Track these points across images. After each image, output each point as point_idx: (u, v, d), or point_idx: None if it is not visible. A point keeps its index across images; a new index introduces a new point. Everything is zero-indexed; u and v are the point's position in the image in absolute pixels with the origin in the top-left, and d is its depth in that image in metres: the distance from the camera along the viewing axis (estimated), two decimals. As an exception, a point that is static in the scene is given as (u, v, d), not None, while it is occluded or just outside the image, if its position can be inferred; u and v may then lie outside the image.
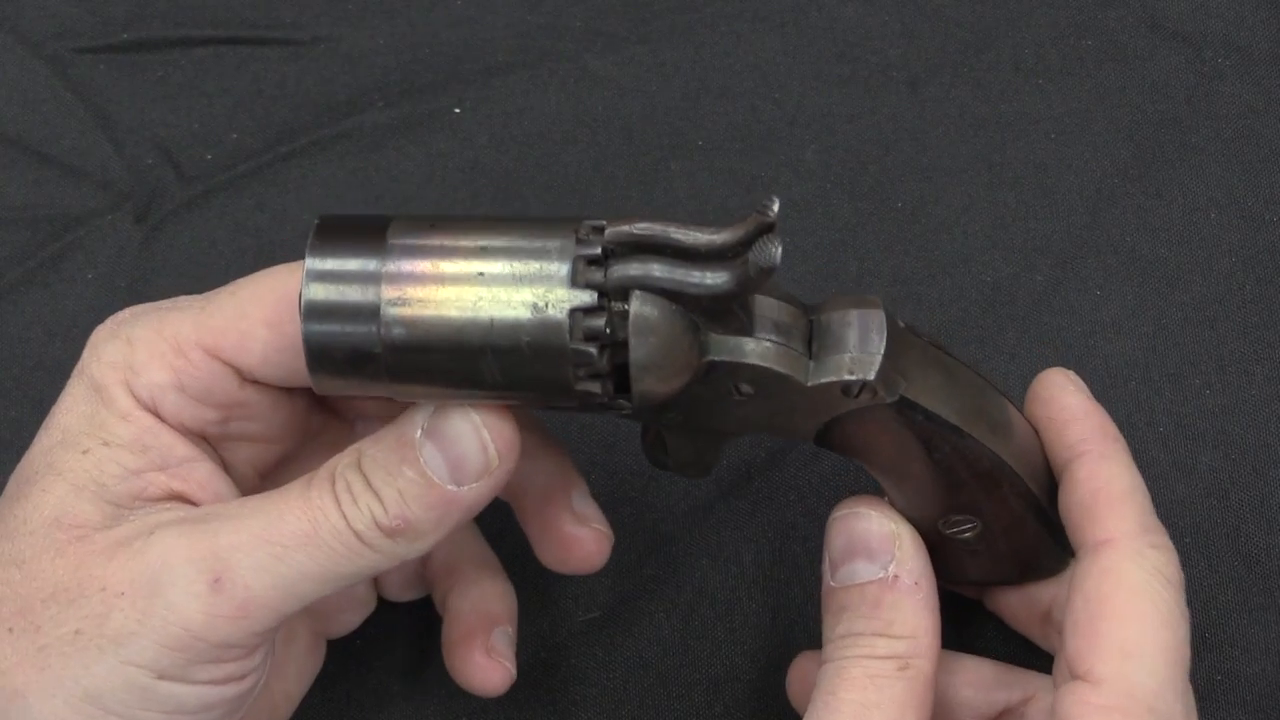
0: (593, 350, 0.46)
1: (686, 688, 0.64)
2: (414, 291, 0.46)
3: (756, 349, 0.49)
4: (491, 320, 0.46)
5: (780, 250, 0.45)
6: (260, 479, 0.56)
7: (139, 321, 0.52)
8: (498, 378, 0.47)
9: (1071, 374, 0.55)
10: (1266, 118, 0.72)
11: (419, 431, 0.48)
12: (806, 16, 0.77)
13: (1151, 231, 0.70)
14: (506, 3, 0.77)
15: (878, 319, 0.50)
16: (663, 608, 0.65)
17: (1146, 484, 0.65)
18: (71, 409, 0.51)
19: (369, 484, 0.47)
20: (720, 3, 0.77)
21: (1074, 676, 0.49)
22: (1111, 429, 0.54)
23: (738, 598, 0.65)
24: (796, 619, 0.65)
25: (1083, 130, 0.72)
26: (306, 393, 0.54)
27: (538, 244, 0.47)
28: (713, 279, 0.46)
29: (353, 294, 0.46)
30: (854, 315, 0.50)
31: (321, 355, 0.47)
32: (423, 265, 0.46)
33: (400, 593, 0.62)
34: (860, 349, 0.49)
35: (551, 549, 0.57)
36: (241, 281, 0.52)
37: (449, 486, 0.48)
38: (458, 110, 0.75)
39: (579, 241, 0.47)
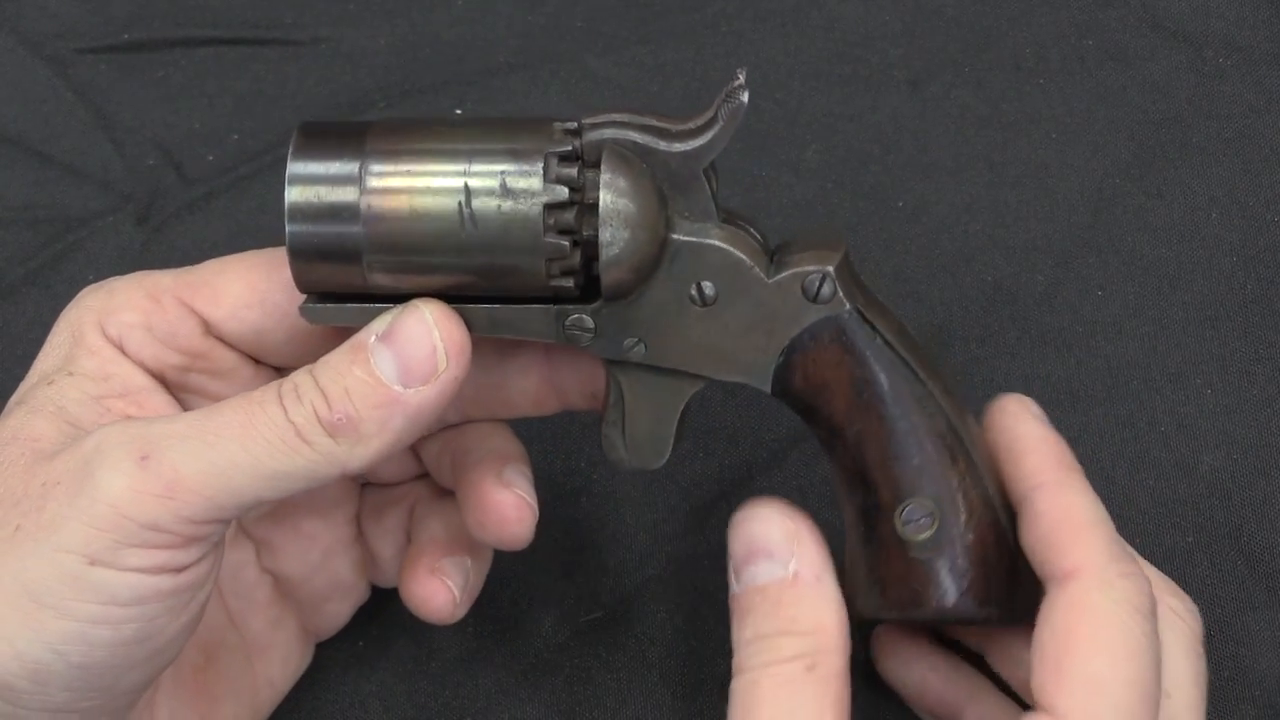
0: (565, 243, 0.48)
1: (689, 688, 0.64)
2: (393, 189, 0.48)
3: (720, 233, 0.50)
4: (469, 215, 0.48)
5: (747, 93, 0.48)
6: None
7: (126, 277, 0.54)
8: (474, 273, 0.49)
9: (1028, 401, 0.54)
10: (1267, 117, 0.72)
11: (373, 336, 0.49)
12: (807, 17, 0.77)
13: (1152, 231, 0.70)
14: (507, 3, 0.77)
15: (835, 232, 0.52)
16: (665, 608, 0.65)
17: (1149, 484, 0.65)
18: (49, 353, 0.53)
19: (316, 383, 0.48)
20: (721, 3, 0.77)
21: (1037, 707, 0.48)
22: (1069, 458, 0.53)
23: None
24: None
25: (1084, 130, 0.73)
26: (269, 371, 0.55)
27: (513, 143, 0.49)
28: (683, 142, 0.49)
29: (333, 195, 0.49)
30: (813, 231, 0.53)
31: (305, 258, 0.49)
32: (402, 166, 0.48)
33: (394, 576, 0.62)
34: (819, 251, 0.51)
35: (471, 510, 0.56)
36: (232, 256, 0.55)
37: (396, 387, 0.48)
38: (459, 111, 0.75)
39: (552, 139, 0.49)
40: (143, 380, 0.52)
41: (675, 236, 0.50)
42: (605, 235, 0.48)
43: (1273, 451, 0.66)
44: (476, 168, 0.48)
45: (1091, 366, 0.67)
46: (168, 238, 0.72)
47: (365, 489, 0.61)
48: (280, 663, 0.59)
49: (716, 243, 0.50)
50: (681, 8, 0.77)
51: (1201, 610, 0.63)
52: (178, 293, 0.53)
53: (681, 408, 0.53)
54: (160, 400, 0.53)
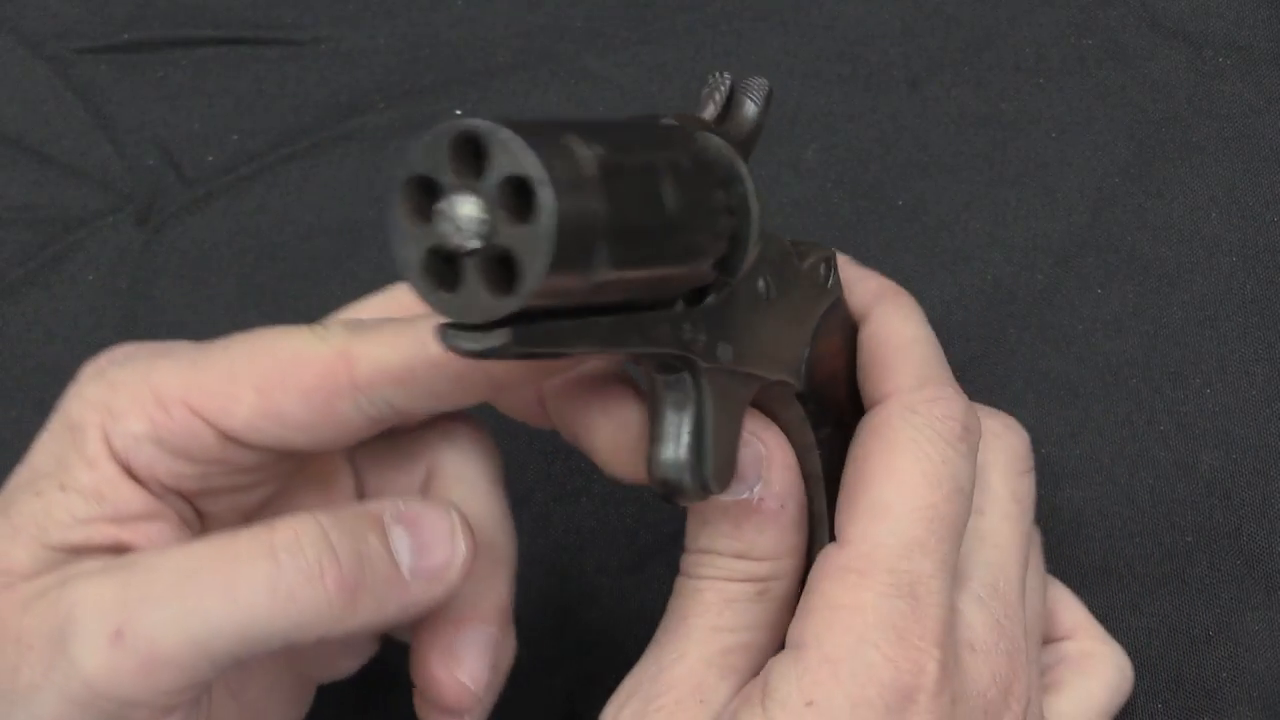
0: (731, 222, 0.46)
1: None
2: (620, 169, 0.41)
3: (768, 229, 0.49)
4: (673, 196, 0.43)
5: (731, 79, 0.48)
6: (243, 520, 0.53)
7: (127, 365, 0.50)
8: (666, 260, 0.44)
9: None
10: (1267, 117, 0.72)
11: (387, 514, 0.47)
12: (807, 16, 0.77)
13: (1152, 230, 0.70)
14: (507, 3, 0.77)
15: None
16: (664, 607, 0.65)
17: (1148, 483, 0.65)
18: (45, 447, 0.49)
19: (326, 538, 0.45)
20: (721, 2, 0.77)
21: (834, 537, 0.48)
22: (889, 285, 0.53)
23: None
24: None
25: (1083, 129, 0.73)
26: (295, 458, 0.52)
27: (667, 125, 0.47)
28: (732, 131, 0.48)
29: (569, 174, 0.40)
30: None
31: (559, 275, 0.40)
32: (615, 153, 0.41)
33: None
34: (803, 239, 0.51)
35: (414, 671, 0.53)
36: (236, 338, 0.50)
37: (405, 573, 0.47)
38: (459, 111, 0.75)
39: (694, 121, 0.48)
40: (141, 505, 0.48)
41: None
42: (756, 209, 0.46)
43: (1272, 451, 0.66)
44: (660, 147, 0.45)
45: (1090, 365, 0.68)
46: (168, 238, 0.72)
47: None
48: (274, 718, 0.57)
49: (775, 234, 0.49)
50: (681, 7, 0.77)
51: (1199, 610, 0.63)
52: (188, 399, 0.48)
53: (742, 420, 0.50)
54: (156, 529, 0.48)
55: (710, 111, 0.49)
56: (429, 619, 0.52)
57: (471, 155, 0.38)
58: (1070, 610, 0.59)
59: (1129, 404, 0.67)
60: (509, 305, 0.38)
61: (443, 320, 0.39)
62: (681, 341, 0.45)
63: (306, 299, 0.71)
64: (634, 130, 0.46)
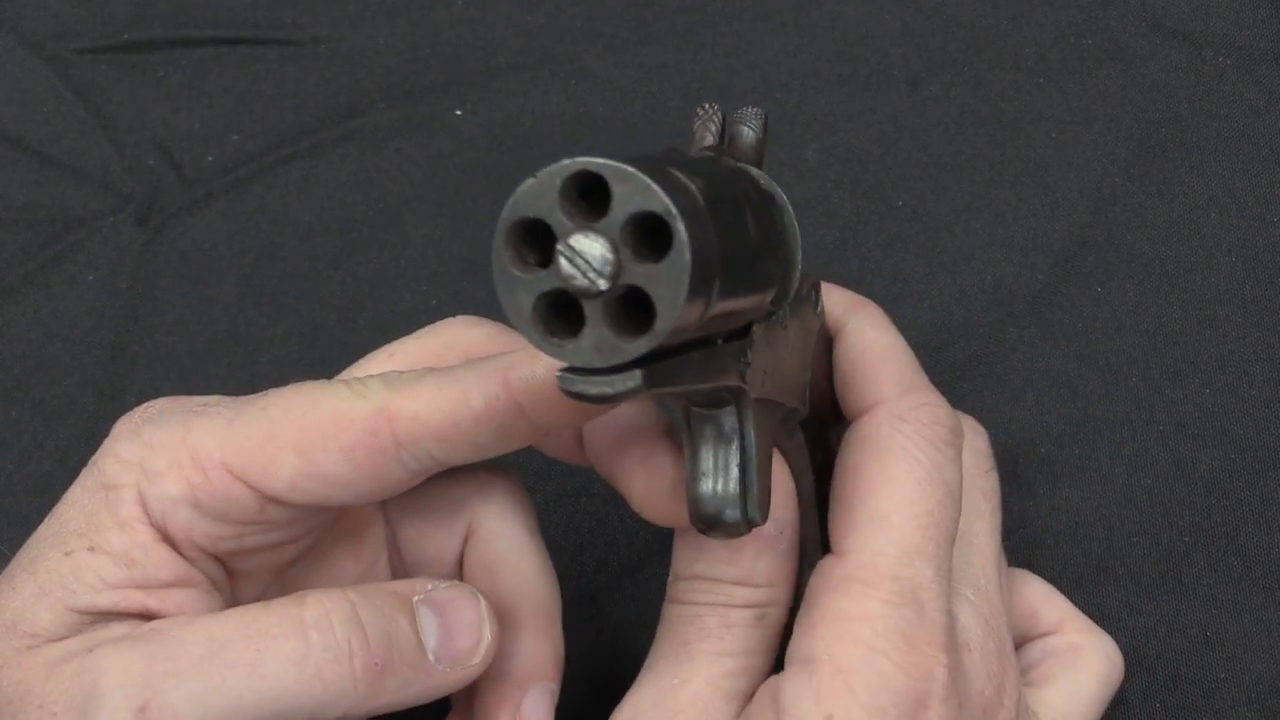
0: (792, 249, 0.47)
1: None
2: (716, 199, 0.41)
3: None
4: (761, 229, 0.44)
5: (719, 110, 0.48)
6: (274, 576, 0.53)
7: (163, 423, 0.49)
8: (760, 275, 0.44)
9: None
10: (1267, 117, 0.72)
11: (417, 596, 0.47)
12: (807, 16, 0.77)
13: (1152, 230, 0.70)
14: (507, 3, 0.77)
15: None
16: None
17: (1147, 483, 0.65)
18: (75, 502, 0.49)
19: (356, 613, 0.45)
20: (721, 3, 0.77)
21: (832, 549, 0.48)
22: (854, 296, 0.53)
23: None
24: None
25: (1083, 129, 0.72)
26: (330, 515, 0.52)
27: (723, 158, 0.47)
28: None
29: (690, 210, 0.38)
30: None
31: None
32: (713, 182, 0.41)
33: None
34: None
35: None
36: (272, 396, 0.49)
37: (430, 657, 0.46)
38: (459, 112, 0.75)
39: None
40: (171, 572, 0.47)
41: None
42: (795, 240, 0.47)
43: (1271, 451, 0.66)
44: (735, 181, 0.45)
45: (1090, 364, 0.67)
46: (168, 238, 0.72)
47: None
48: None
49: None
50: (681, 8, 0.77)
51: (1198, 610, 0.63)
52: (226, 461, 0.47)
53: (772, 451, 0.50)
54: (184, 596, 0.48)
55: (709, 141, 0.48)
56: (494, 679, 0.52)
57: (582, 195, 0.37)
58: (1053, 604, 0.59)
59: (1128, 403, 0.67)
60: (640, 346, 0.37)
61: (561, 365, 0.38)
62: (742, 372, 0.45)
63: (306, 299, 0.71)
64: (704, 163, 0.45)
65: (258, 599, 0.51)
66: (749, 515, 0.46)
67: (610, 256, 0.36)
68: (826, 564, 0.48)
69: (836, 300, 0.53)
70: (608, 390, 0.38)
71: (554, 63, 0.76)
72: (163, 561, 0.47)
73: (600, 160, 0.37)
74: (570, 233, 0.36)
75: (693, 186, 0.38)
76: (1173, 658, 0.63)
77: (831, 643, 0.47)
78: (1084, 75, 0.74)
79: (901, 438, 0.48)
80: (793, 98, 0.75)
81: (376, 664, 0.45)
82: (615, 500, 0.65)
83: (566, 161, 0.37)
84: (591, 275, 0.36)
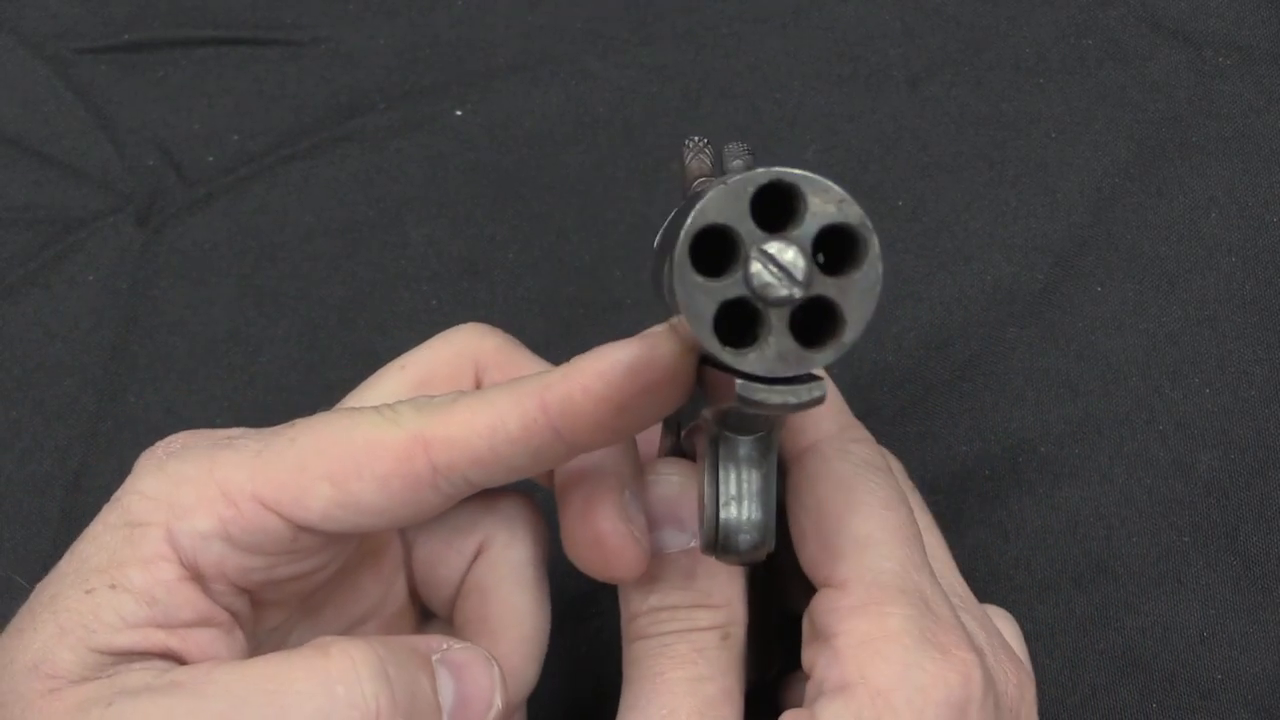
0: None
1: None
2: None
3: None
4: None
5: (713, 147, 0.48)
6: (301, 602, 0.52)
7: (188, 458, 0.48)
8: None
9: None
10: (1267, 117, 0.72)
11: (435, 655, 0.46)
12: (807, 17, 0.77)
13: (1152, 230, 0.70)
14: (507, 4, 0.77)
15: None
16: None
17: (1147, 483, 0.65)
18: (97, 538, 0.47)
19: (384, 671, 0.44)
20: (720, 4, 0.77)
21: (819, 586, 0.48)
22: None
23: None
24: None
25: (1083, 129, 0.73)
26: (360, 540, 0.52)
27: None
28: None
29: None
30: None
31: None
32: None
33: None
34: None
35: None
36: (300, 426, 0.48)
37: (445, 718, 0.46)
38: (459, 113, 0.75)
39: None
40: (193, 611, 0.47)
41: None
42: None
43: (1270, 451, 0.65)
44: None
45: (1090, 364, 0.67)
46: (168, 239, 0.73)
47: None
48: None
49: None
50: (681, 9, 0.77)
51: (1196, 610, 0.63)
52: (258, 494, 0.46)
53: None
54: (208, 636, 0.47)
55: (706, 170, 0.49)
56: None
57: (773, 205, 0.37)
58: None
59: (1128, 403, 0.67)
60: (827, 357, 0.37)
61: (742, 374, 0.38)
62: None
63: (306, 299, 0.71)
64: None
65: (282, 625, 0.51)
66: (769, 541, 0.46)
67: (804, 265, 0.37)
68: (827, 598, 0.47)
69: None
70: (792, 400, 0.38)
71: (554, 63, 0.76)
72: (185, 600, 0.46)
73: (797, 171, 0.37)
74: (763, 240, 0.37)
75: None
76: (1170, 658, 0.63)
77: (864, 666, 0.46)
78: (1084, 75, 0.74)
79: (853, 467, 0.48)
80: (793, 98, 0.75)
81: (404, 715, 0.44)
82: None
83: (761, 170, 0.37)
84: (789, 284, 0.37)
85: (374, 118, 0.75)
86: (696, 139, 0.49)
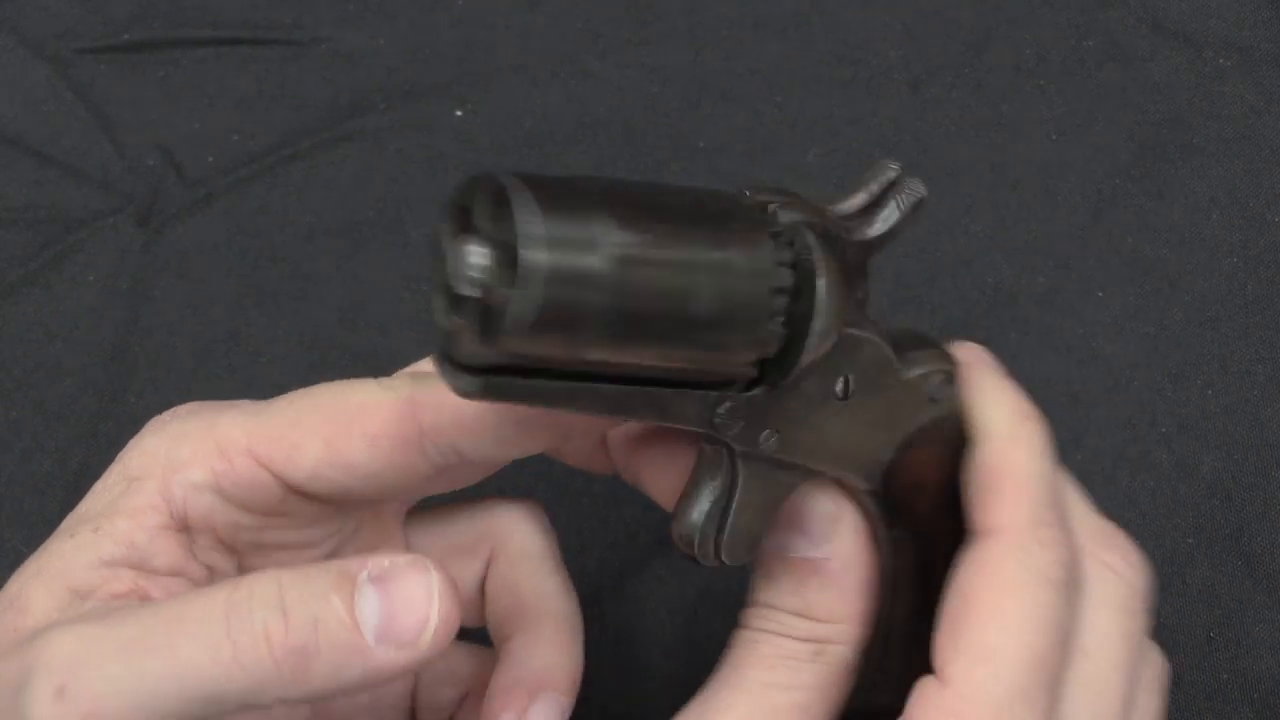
0: (781, 330, 0.45)
1: (690, 690, 0.63)
2: (641, 260, 0.42)
3: (874, 326, 0.47)
4: (702, 295, 0.43)
5: (922, 184, 0.47)
6: None
7: (190, 419, 0.49)
8: (679, 353, 0.44)
9: (977, 349, 0.51)
10: (1268, 118, 0.72)
11: (365, 572, 0.44)
12: (808, 20, 0.77)
13: (1153, 232, 0.70)
14: (507, 4, 0.77)
15: (932, 337, 0.50)
16: (666, 607, 0.65)
17: (1149, 485, 0.65)
18: (97, 495, 0.49)
19: (280, 597, 0.43)
20: (721, 6, 0.77)
21: (932, 664, 0.47)
22: (1023, 407, 0.50)
23: (742, 600, 0.65)
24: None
25: (1084, 131, 0.73)
26: (349, 508, 0.52)
27: (733, 219, 0.44)
28: (858, 229, 0.47)
29: (575, 261, 0.41)
30: (905, 331, 0.50)
31: (529, 337, 0.41)
32: (647, 235, 0.42)
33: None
34: (936, 349, 0.49)
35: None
36: (300, 391, 0.49)
37: (368, 638, 0.44)
38: (459, 113, 0.75)
39: (764, 217, 0.45)
40: (170, 560, 0.48)
41: (848, 328, 0.47)
42: (818, 325, 0.45)
43: (1273, 452, 0.66)
44: (710, 241, 0.43)
45: (1092, 367, 0.67)
46: (168, 239, 0.72)
47: None
48: None
49: (874, 336, 0.47)
50: (682, 10, 0.77)
51: (1201, 612, 0.63)
52: (252, 449, 0.48)
53: (783, 503, 0.50)
54: (180, 587, 0.48)
55: (859, 201, 0.47)
56: (503, 683, 0.52)
57: (502, 205, 0.39)
58: None
59: (1130, 406, 0.67)
60: (489, 357, 0.40)
61: (438, 348, 0.41)
62: (711, 423, 0.45)
63: (307, 300, 0.71)
64: (697, 222, 0.44)
65: None
66: (716, 551, 0.47)
67: (487, 266, 0.39)
68: (928, 687, 0.47)
69: (1002, 404, 0.50)
70: (452, 382, 0.41)
71: (554, 64, 0.76)
72: (164, 549, 0.47)
73: (510, 177, 0.39)
74: (467, 234, 0.39)
75: (605, 238, 0.40)
76: (1176, 660, 0.62)
77: None
78: (1084, 77, 0.74)
79: (1022, 571, 0.46)
80: (793, 101, 0.75)
81: (296, 648, 0.43)
82: (616, 500, 0.65)
83: (495, 173, 0.39)
84: (459, 280, 0.39)
85: (374, 118, 0.75)
86: (888, 165, 0.48)
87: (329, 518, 0.50)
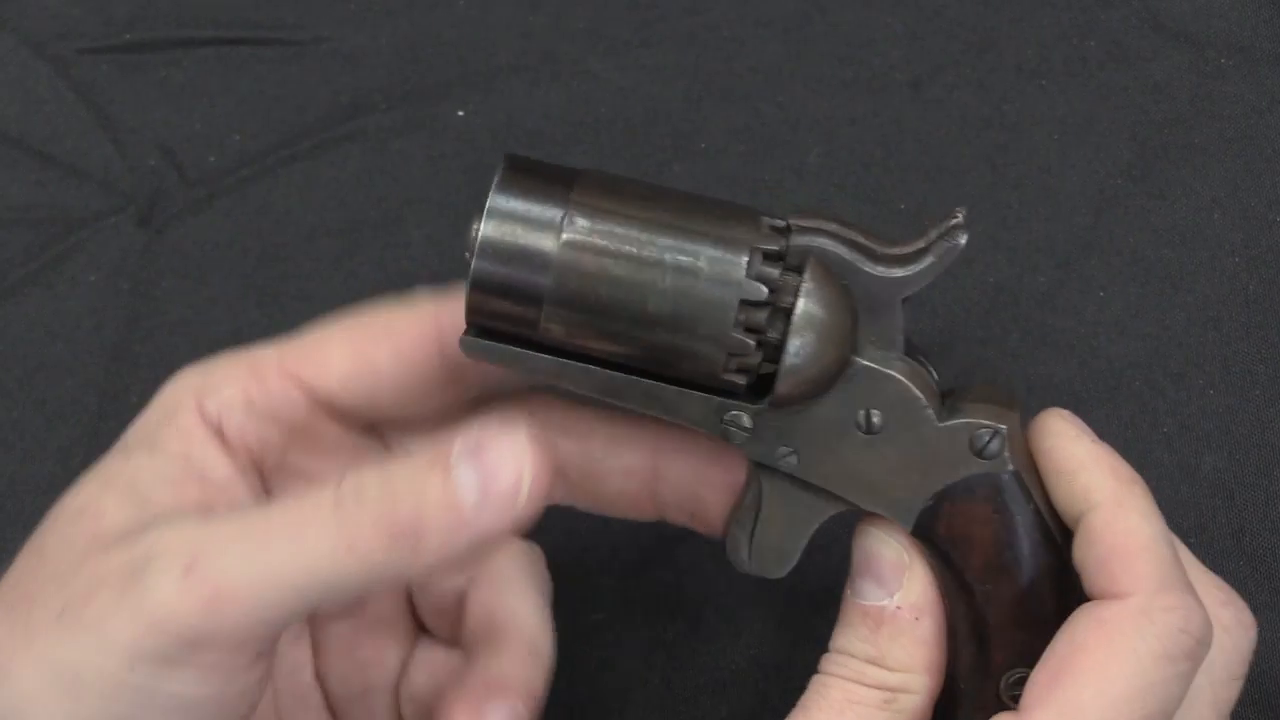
0: (751, 342, 0.47)
1: (692, 691, 0.64)
2: (592, 248, 0.47)
3: (903, 366, 0.49)
4: (664, 291, 0.47)
5: (965, 236, 0.48)
6: None
7: (228, 355, 0.53)
8: (649, 349, 0.47)
9: (1067, 415, 0.52)
10: (1269, 118, 0.72)
11: (456, 450, 0.46)
12: (809, 20, 0.77)
13: (1155, 232, 0.70)
14: (508, 4, 0.77)
15: (1011, 396, 0.51)
16: (668, 610, 0.65)
17: (1151, 485, 0.65)
18: (136, 429, 0.52)
19: (385, 486, 0.46)
20: (723, 6, 0.77)
21: (1022, 707, 0.47)
22: (1125, 471, 0.50)
23: (743, 602, 0.65)
24: (801, 625, 0.64)
25: (1085, 131, 0.73)
26: (372, 436, 0.54)
27: (722, 230, 0.47)
28: (888, 268, 0.49)
29: (530, 238, 0.47)
30: (984, 387, 0.51)
31: (485, 294, 0.47)
32: (605, 225, 0.47)
33: None
34: (995, 406, 0.50)
35: None
36: (329, 319, 0.53)
37: (469, 511, 0.46)
38: (461, 113, 0.75)
39: (761, 235, 0.47)
40: (225, 471, 0.51)
41: (858, 359, 0.48)
42: (793, 344, 0.47)
43: (1275, 452, 0.65)
44: (679, 246, 0.47)
45: (1093, 367, 0.67)
46: (170, 239, 0.72)
47: (421, 638, 0.59)
48: None
49: (897, 375, 0.49)
50: (683, 11, 0.77)
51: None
52: (282, 363, 0.52)
53: (816, 526, 0.52)
54: (239, 492, 0.51)
55: (918, 244, 0.49)
56: (465, 685, 0.53)
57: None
58: None
59: (1132, 406, 0.67)
60: (470, 317, 0.48)
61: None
62: (719, 428, 0.49)
63: (309, 299, 0.71)
64: (678, 227, 0.47)
65: None
66: (744, 559, 0.52)
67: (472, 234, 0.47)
68: None
69: (1102, 470, 0.50)
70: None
71: (556, 64, 0.76)
72: (217, 460, 0.50)
73: (509, 155, 0.49)
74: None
75: (562, 223, 0.46)
76: (1177, 659, 0.63)
77: None
78: (1086, 77, 0.74)
79: (1139, 639, 0.46)
80: (795, 102, 0.75)
81: (410, 529, 0.45)
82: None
83: (512, 154, 0.50)
84: (467, 246, 0.48)
85: (376, 118, 0.75)
86: (959, 213, 0.50)
87: (351, 448, 0.53)
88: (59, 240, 0.72)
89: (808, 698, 0.50)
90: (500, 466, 0.46)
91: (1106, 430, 0.65)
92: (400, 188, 0.73)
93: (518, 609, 0.55)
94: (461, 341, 0.49)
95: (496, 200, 0.47)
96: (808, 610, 0.64)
